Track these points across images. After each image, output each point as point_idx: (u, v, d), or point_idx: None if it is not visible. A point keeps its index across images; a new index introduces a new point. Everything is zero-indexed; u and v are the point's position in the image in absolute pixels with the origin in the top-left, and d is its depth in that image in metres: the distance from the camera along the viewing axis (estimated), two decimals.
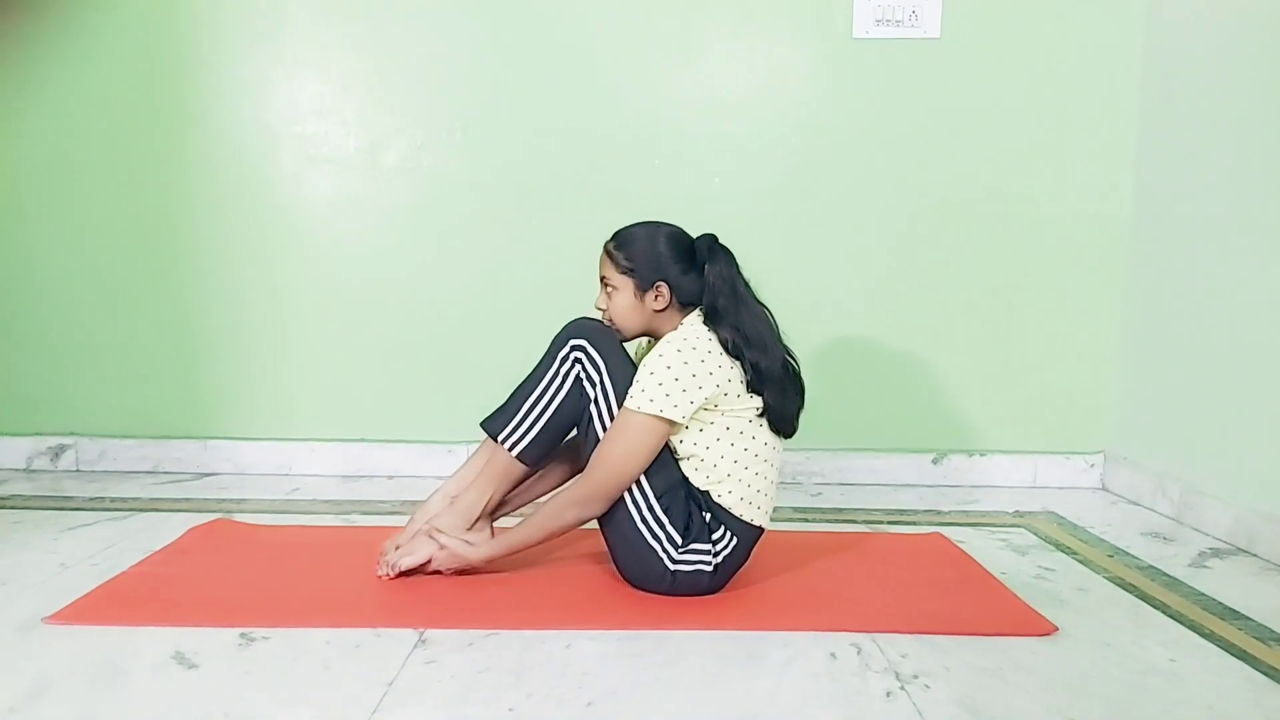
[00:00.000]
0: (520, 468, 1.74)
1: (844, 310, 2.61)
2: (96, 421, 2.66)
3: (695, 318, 1.66)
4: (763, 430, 1.65)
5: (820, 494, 2.51)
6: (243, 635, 1.47)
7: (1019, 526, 2.21)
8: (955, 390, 2.64)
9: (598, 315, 1.74)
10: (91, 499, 2.33)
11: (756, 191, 2.57)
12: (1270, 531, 1.97)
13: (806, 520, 2.24)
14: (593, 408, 1.66)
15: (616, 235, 1.72)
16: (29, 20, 2.54)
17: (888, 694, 1.31)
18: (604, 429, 1.64)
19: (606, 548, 1.72)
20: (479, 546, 1.70)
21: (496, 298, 2.62)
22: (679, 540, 1.61)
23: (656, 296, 1.67)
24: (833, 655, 1.43)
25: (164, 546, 1.90)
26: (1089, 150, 2.56)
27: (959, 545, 2.01)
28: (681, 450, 1.64)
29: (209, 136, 2.58)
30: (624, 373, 1.64)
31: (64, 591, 1.64)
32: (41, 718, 1.22)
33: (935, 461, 2.64)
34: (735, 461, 1.63)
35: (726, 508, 1.64)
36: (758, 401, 1.63)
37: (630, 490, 1.61)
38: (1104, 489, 2.61)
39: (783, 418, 1.66)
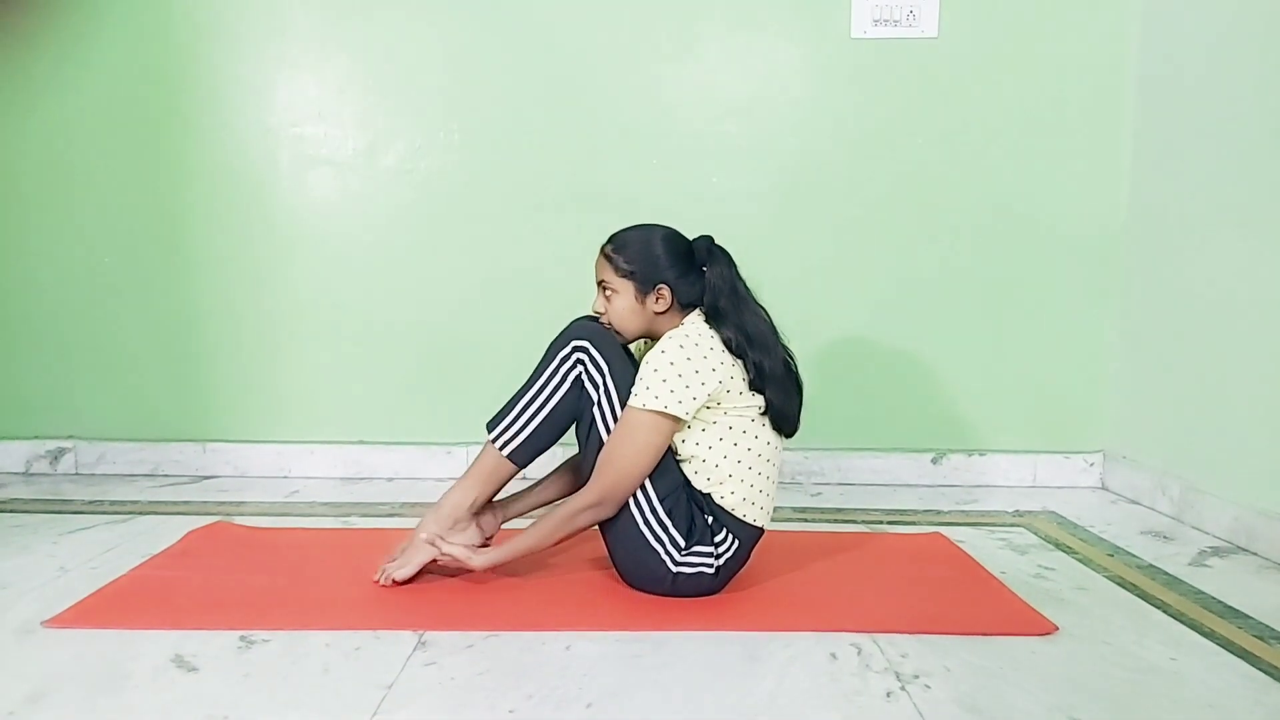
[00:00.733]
0: (509, 468, 1.73)
1: (842, 310, 2.61)
2: (96, 424, 2.66)
3: (696, 316, 1.66)
4: (764, 430, 1.65)
5: (820, 494, 2.51)
6: (242, 638, 1.47)
7: (1019, 526, 2.21)
8: (954, 390, 2.64)
9: (591, 314, 1.74)
10: (91, 502, 2.33)
11: (754, 192, 2.57)
12: (1270, 530, 1.97)
13: (806, 520, 2.24)
14: (594, 410, 1.65)
15: (613, 238, 1.71)
16: (28, 21, 2.54)
17: (888, 694, 1.31)
18: (606, 431, 1.63)
19: (606, 550, 1.72)
20: (485, 554, 1.67)
21: (495, 299, 2.62)
22: (682, 543, 1.61)
23: (658, 299, 1.67)
24: (833, 655, 1.43)
25: (163, 550, 1.90)
26: (1086, 149, 2.56)
27: (959, 545, 2.01)
28: (683, 451, 1.64)
29: (208, 138, 2.58)
30: (626, 375, 1.64)
31: (63, 595, 1.63)
32: None
33: (935, 461, 2.64)
34: (738, 462, 1.63)
35: (728, 509, 1.64)
36: (759, 401, 1.63)
37: (634, 493, 1.61)
38: (1103, 488, 2.61)
39: (785, 417, 1.66)
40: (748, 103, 2.57)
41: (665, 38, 2.56)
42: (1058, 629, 1.53)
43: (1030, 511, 2.35)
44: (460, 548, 1.67)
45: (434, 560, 1.69)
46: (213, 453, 2.64)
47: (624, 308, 1.68)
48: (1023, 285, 2.60)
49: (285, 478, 2.62)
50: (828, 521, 2.23)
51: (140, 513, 2.23)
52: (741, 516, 1.64)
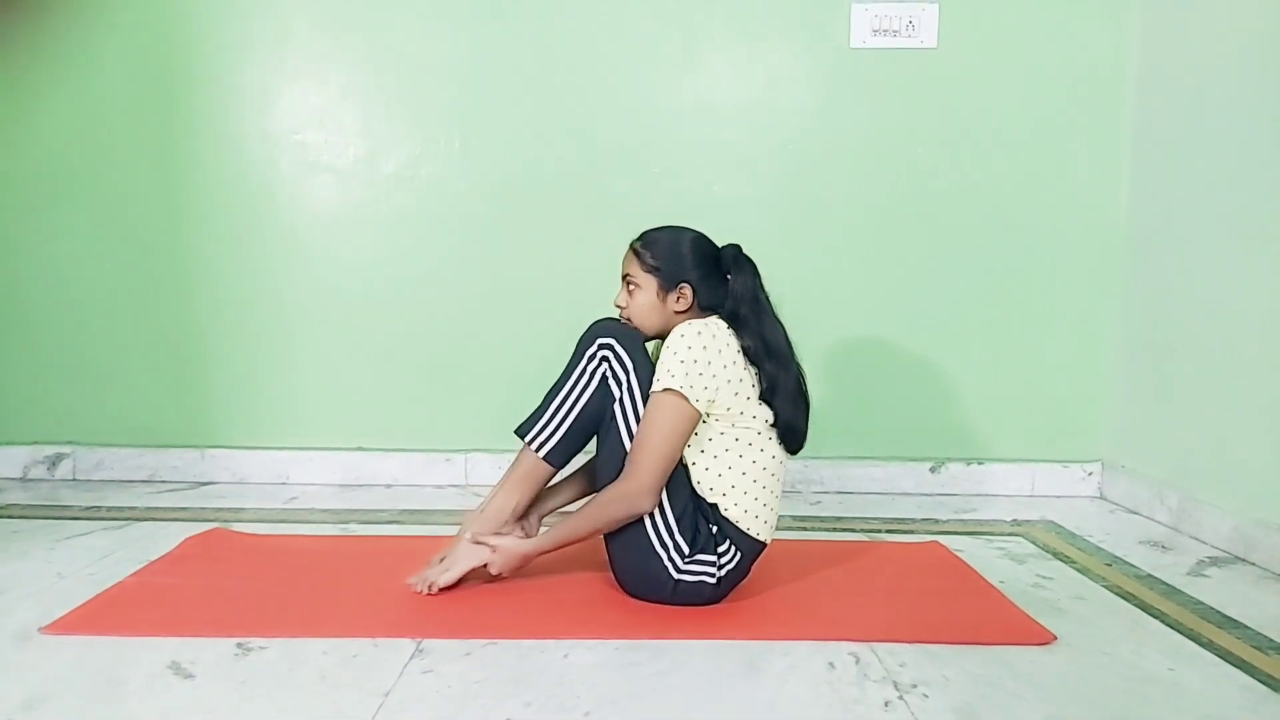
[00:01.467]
0: (547, 470, 1.74)
1: (841, 319, 2.62)
2: (93, 430, 2.65)
3: (716, 318, 1.66)
4: (771, 444, 1.65)
5: (819, 503, 2.51)
6: (239, 645, 1.47)
7: (1017, 535, 2.21)
8: (953, 399, 2.64)
9: (612, 315, 1.75)
10: (88, 508, 2.32)
11: (754, 200, 2.58)
12: (1268, 540, 1.97)
13: (805, 529, 2.23)
14: (616, 406, 1.65)
15: (644, 235, 1.73)
16: (29, 27, 2.55)
17: (886, 704, 1.31)
18: (627, 428, 1.63)
19: (607, 555, 1.71)
20: (531, 540, 1.69)
21: (494, 306, 2.62)
22: (686, 550, 1.61)
23: (679, 298, 1.68)
24: (831, 665, 1.43)
25: (161, 556, 1.90)
26: (1085, 159, 2.57)
27: (957, 554, 2.01)
28: (688, 459, 1.64)
29: (209, 145, 2.59)
30: (649, 374, 1.65)
31: (60, 601, 1.63)
32: None
33: (933, 470, 2.64)
34: (743, 474, 1.63)
35: (733, 521, 1.64)
36: (768, 414, 1.64)
37: (665, 483, 1.60)
38: (1102, 497, 2.61)
39: (794, 431, 1.66)
40: (748, 112, 2.58)
41: (667, 47, 2.57)
42: (1056, 639, 1.53)
43: (1029, 521, 2.35)
44: (511, 539, 1.69)
45: (483, 565, 1.68)
46: (211, 459, 2.64)
47: (645, 303, 1.69)
48: (1021, 294, 2.61)
49: (284, 484, 2.62)
50: (826, 530, 2.23)
51: (138, 519, 2.22)
52: (745, 529, 1.64)
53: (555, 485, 1.85)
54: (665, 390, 1.58)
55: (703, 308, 1.69)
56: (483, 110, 2.58)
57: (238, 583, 1.76)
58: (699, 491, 1.64)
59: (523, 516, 1.80)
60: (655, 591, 1.65)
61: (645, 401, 1.63)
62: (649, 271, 1.69)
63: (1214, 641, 1.55)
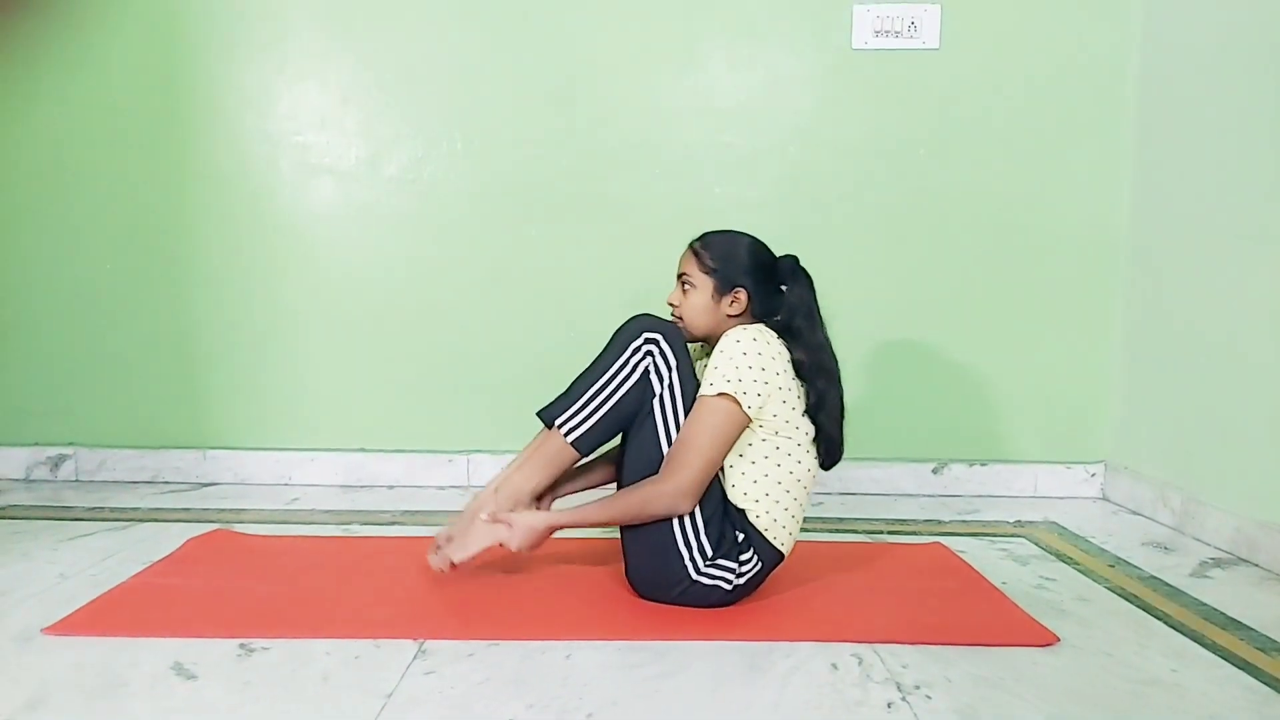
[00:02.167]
0: (571, 455, 1.70)
1: (843, 320, 2.57)
2: (96, 431, 2.66)
3: (764, 327, 1.65)
4: (808, 456, 1.65)
5: (821, 504, 2.51)
6: (242, 646, 1.47)
7: (1020, 536, 2.21)
8: (955, 400, 2.64)
9: (637, 313, 1.72)
10: (91, 509, 2.33)
11: (756, 201, 2.58)
12: (1271, 541, 1.96)
13: (807, 530, 2.23)
14: (656, 402, 1.64)
15: (704, 236, 1.73)
16: (30, 27, 2.56)
17: (889, 705, 1.31)
18: (664, 424, 1.62)
19: (621, 547, 1.70)
20: (550, 514, 1.67)
21: (496, 307, 2.62)
22: (710, 552, 1.60)
23: (733, 301, 1.68)
24: (834, 666, 1.43)
25: (163, 557, 1.90)
26: (1087, 159, 2.57)
27: (960, 555, 2.01)
28: (725, 461, 1.62)
29: (211, 146, 2.59)
30: (690, 373, 1.65)
31: (63, 602, 1.63)
32: None
33: (936, 471, 2.64)
34: (779, 483, 1.63)
35: (760, 530, 1.63)
36: (810, 427, 1.64)
37: (706, 485, 1.59)
38: (1104, 499, 2.61)
39: (835, 447, 1.67)
40: (749, 113, 2.58)
41: (668, 48, 2.57)
42: (1059, 640, 1.53)
43: (1031, 522, 2.35)
44: (530, 513, 1.67)
45: (502, 544, 1.66)
46: (213, 460, 2.64)
47: (699, 304, 1.69)
48: (1024, 295, 2.61)
49: (286, 485, 2.62)
50: (829, 531, 2.22)
51: (140, 520, 2.22)
52: (771, 539, 1.64)
53: (574, 471, 1.81)
54: (719, 395, 1.57)
55: (755, 315, 1.69)
56: (484, 112, 2.58)
57: (240, 584, 1.76)
58: (731, 496, 1.63)
59: (538, 500, 1.77)
60: (666, 591, 1.64)
61: (685, 400, 1.62)
62: (706, 272, 1.68)
63: (1217, 643, 1.55)
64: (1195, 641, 1.56)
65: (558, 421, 1.69)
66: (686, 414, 1.61)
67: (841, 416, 1.68)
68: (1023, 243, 2.59)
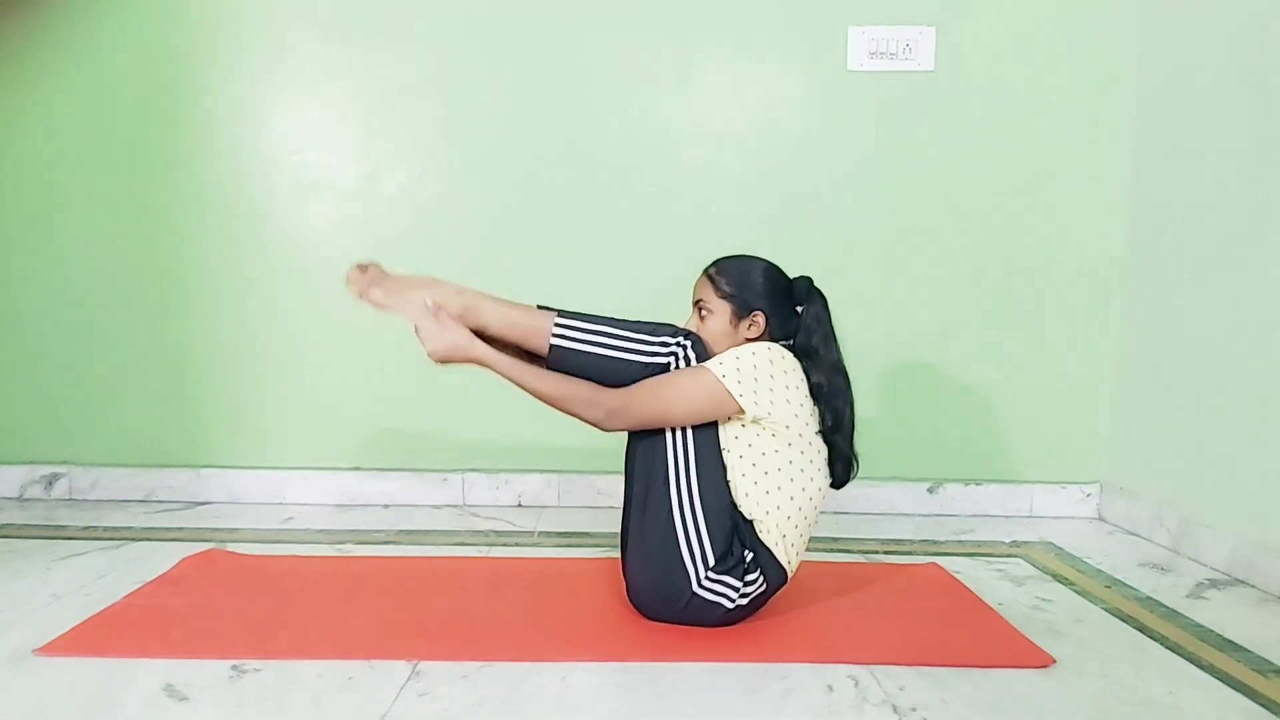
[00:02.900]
0: (540, 345, 1.66)
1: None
2: (90, 450, 2.65)
3: (781, 347, 1.65)
4: (820, 475, 1.66)
5: (816, 523, 2.49)
6: (234, 667, 1.46)
7: (1016, 556, 2.20)
8: (951, 419, 2.64)
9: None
10: (84, 528, 2.32)
11: (751, 221, 2.59)
12: (1268, 562, 1.96)
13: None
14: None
15: (718, 262, 1.74)
16: (26, 44, 2.57)
17: None
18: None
19: (621, 563, 1.69)
20: (486, 348, 1.62)
21: None
22: (713, 561, 1.59)
23: (751, 325, 1.69)
24: (830, 688, 1.42)
25: (156, 577, 1.89)
26: (1083, 181, 2.59)
27: (955, 575, 2.00)
28: (739, 468, 1.62)
29: (207, 165, 2.60)
30: None
31: (55, 622, 1.62)
32: None
33: (931, 491, 2.63)
34: (791, 498, 1.62)
35: (767, 546, 1.62)
36: (823, 446, 1.66)
37: (677, 487, 1.60)
38: (1100, 519, 2.61)
39: (849, 467, 1.69)
40: (746, 133, 2.59)
41: (665, 68, 2.59)
42: (1055, 661, 1.53)
43: (1027, 542, 2.35)
44: (467, 333, 1.62)
45: (417, 325, 1.64)
46: (207, 478, 2.63)
47: (717, 329, 1.69)
48: (1019, 315, 2.62)
49: (280, 504, 2.61)
50: (824, 551, 2.22)
51: (134, 539, 2.21)
52: (778, 556, 1.63)
53: (523, 354, 1.72)
54: (703, 368, 1.59)
55: (773, 338, 1.70)
56: (483, 131, 2.59)
57: (233, 604, 1.75)
58: (742, 506, 1.63)
59: (478, 335, 1.67)
60: (668, 605, 1.63)
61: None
62: (723, 298, 1.69)
63: (1214, 664, 1.55)
64: (1192, 663, 1.55)
65: (559, 320, 1.66)
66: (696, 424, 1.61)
67: (854, 435, 1.69)
68: (1018, 264, 2.60)
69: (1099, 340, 2.62)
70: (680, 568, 1.60)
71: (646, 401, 1.59)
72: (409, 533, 2.34)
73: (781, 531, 1.63)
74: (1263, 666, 1.54)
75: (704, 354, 1.66)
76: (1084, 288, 2.61)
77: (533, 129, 2.59)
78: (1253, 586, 1.99)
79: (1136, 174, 2.54)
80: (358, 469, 2.65)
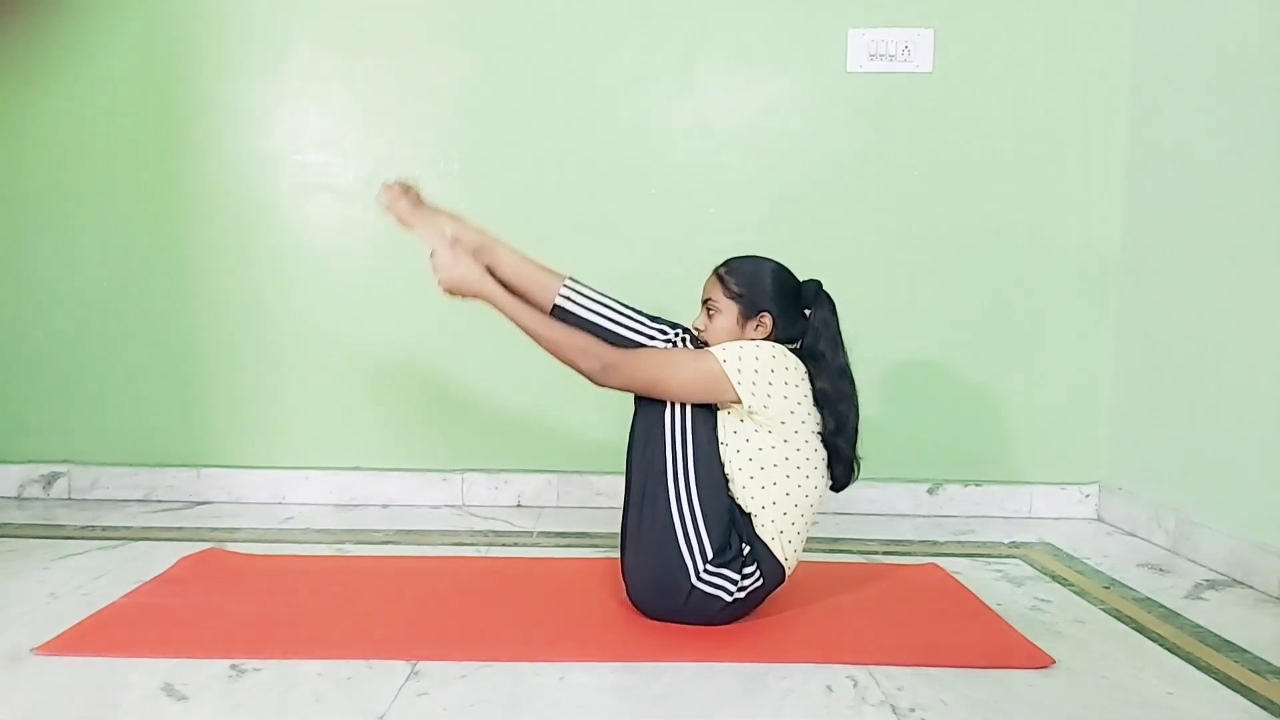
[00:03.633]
0: (547, 298, 1.74)
1: None
2: (90, 449, 2.64)
3: (787, 351, 1.67)
4: (816, 473, 1.66)
5: (816, 524, 2.47)
6: (233, 667, 1.46)
7: (1015, 557, 2.20)
8: (950, 420, 2.64)
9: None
10: (83, 527, 2.31)
11: (750, 222, 2.59)
12: (1266, 563, 1.96)
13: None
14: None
15: (728, 262, 1.75)
16: (32, 46, 2.57)
17: None
18: (671, 406, 1.64)
19: (620, 558, 1.69)
20: (492, 285, 1.66)
21: (492, 326, 2.61)
22: (710, 554, 1.60)
23: (758, 325, 1.70)
24: (829, 688, 1.42)
25: (155, 576, 1.89)
26: (1080, 182, 2.59)
27: (955, 576, 2.00)
28: (737, 463, 1.63)
29: (210, 165, 2.60)
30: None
31: (54, 621, 1.62)
32: None
33: (931, 491, 2.64)
34: (787, 494, 1.63)
35: (765, 540, 1.63)
36: (822, 449, 1.66)
37: (675, 482, 1.60)
38: (1099, 519, 2.61)
39: (850, 470, 1.70)
40: (745, 135, 2.60)
41: (665, 70, 2.59)
42: (1054, 662, 1.53)
43: (1026, 543, 2.35)
44: (479, 270, 1.67)
45: (434, 251, 1.69)
46: (207, 478, 2.63)
47: (724, 328, 1.70)
48: (1018, 316, 2.62)
49: (280, 504, 2.61)
50: (824, 552, 2.22)
51: (133, 538, 2.21)
52: (775, 551, 1.63)
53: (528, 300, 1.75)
54: (706, 351, 1.61)
55: (779, 340, 1.71)
56: (482, 133, 2.59)
57: (232, 603, 1.75)
58: (739, 499, 1.64)
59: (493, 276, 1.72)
60: (668, 600, 1.63)
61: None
62: (731, 298, 1.70)
63: (1212, 665, 1.55)
64: (1190, 664, 1.55)
65: (568, 283, 1.74)
66: (693, 407, 1.63)
67: (857, 439, 1.70)
68: (1016, 264, 2.61)
69: (1097, 342, 2.62)
70: (679, 561, 1.60)
71: (645, 366, 1.62)
72: (408, 533, 2.34)
73: (778, 527, 1.63)
74: (1261, 667, 1.55)
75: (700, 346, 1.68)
76: (1082, 289, 2.61)
77: (532, 131, 2.59)
78: (1251, 587, 1.99)
79: (1133, 175, 2.54)
80: (357, 469, 2.65)
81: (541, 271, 1.78)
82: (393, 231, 2.59)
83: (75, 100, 2.58)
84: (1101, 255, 2.60)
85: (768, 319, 1.69)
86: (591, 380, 1.64)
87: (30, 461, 2.64)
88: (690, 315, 1.78)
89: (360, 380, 2.64)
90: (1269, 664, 1.56)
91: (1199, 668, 1.54)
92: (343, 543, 2.23)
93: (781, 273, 1.73)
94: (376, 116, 2.61)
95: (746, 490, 1.63)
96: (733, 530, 1.62)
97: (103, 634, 1.58)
